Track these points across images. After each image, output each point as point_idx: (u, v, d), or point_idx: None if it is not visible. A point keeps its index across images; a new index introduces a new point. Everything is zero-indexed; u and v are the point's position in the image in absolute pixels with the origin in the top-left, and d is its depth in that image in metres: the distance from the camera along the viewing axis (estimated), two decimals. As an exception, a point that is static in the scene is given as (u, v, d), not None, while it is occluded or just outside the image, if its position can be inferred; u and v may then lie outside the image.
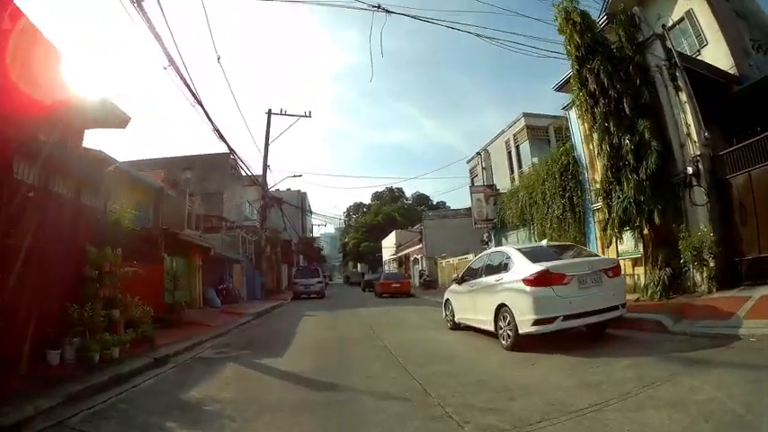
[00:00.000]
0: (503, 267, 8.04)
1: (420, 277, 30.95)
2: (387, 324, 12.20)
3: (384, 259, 53.16)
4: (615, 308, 7.14)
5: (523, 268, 7.29)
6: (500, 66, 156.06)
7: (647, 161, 10.58)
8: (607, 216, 11.63)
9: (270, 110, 29.67)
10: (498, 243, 21.14)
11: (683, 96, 10.75)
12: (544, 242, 9.65)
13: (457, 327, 9.97)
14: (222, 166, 35.92)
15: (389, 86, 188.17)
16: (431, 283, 30.21)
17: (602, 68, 11.22)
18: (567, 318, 6.74)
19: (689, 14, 14.25)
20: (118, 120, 8.82)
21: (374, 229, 61.21)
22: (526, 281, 6.97)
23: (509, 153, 24.42)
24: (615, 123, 11.11)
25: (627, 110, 10.97)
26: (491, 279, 8.22)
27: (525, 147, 22.56)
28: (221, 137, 21.38)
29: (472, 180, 32.38)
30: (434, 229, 32.91)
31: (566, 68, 13.55)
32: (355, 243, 63.28)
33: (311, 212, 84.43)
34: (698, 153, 10.36)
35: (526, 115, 22.32)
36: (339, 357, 7.70)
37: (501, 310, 7.54)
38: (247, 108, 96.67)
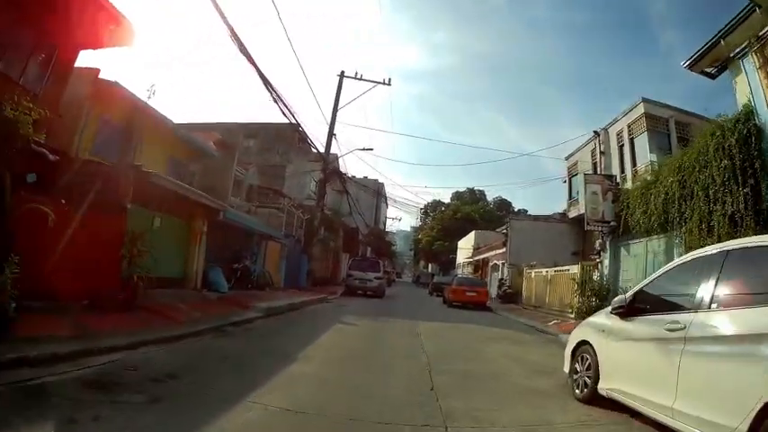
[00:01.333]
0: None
1: (500, 288, 25.26)
2: (457, 365, 6.98)
3: (458, 262, 47.47)
4: None
5: None
6: (585, 80, 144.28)
7: None
8: None
9: (342, 71, 25.35)
10: (616, 256, 15.13)
11: None
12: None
13: (594, 397, 4.81)
14: (288, 138, 32.61)
15: (475, 90, 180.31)
16: (511, 297, 24.36)
17: None
18: None
19: None
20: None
21: (451, 228, 55.58)
22: None
23: (620, 147, 18.97)
24: None
25: None
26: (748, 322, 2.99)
27: (642, 140, 17.63)
28: (278, 101, 17.36)
29: (569, 179, 26.43)
30: (522, 232, 26.91)
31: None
32: (429, 241, 58.04)
33: (386, 201, 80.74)
34: None
35: (646, 101, 17.75)
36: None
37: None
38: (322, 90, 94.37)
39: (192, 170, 16.55)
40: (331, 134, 24.95)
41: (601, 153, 16.99)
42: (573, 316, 15.38)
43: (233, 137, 27.52)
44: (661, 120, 17.95)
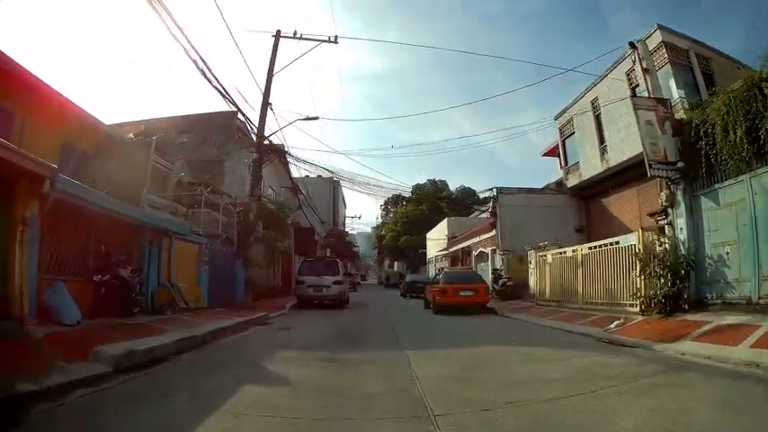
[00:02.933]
0: None
1: (495, 281, 20.05)
2: None
3: (429, 256, 42.29)
4: None
5: None
6: (536, 68, 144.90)
7: None
8: None
9: (279, 30, 19.57)
10: (694, 210, 10.15)
11: None
12: None
13: None
14: (226, 128, 26.90)
15: (428, 85, 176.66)
16: (513, 291, 19.23)
17: None
18: None
19: None
20: None
21: (417, 221, 50.43)
22: None
23: (633, 90, 14.39)
24: None
25: None
26: None
27: (665, 74, 13.58)
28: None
29: (563, 141, 22.55)
30: (513, 210, 21.88)
31: None
32: (393, 237, 52.63)
33: (344, 202, 74.95)
34: None
35: (662, 29, 14.22)
36: None
37: None
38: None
39: (101, 164, 11.22)
40: (266, 103, 19.09)
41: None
42: (638, 309, 10.29)
43: (168, 135, 24.04)
44: (681, 51, 14.28)
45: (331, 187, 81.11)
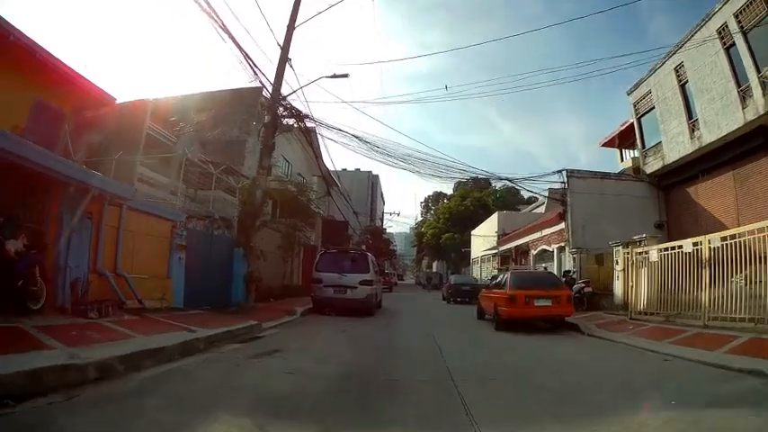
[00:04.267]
0: None
1: (568, 287, 15.56)
2: None
3: (474, 256, 37.77)
4: None
5: None
6: (580, 71, 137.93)
7: None
8: None
9: None
10: None
11: None
12: None
13: None
14: (249, 105, 23.67)
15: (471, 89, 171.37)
16: (591, 300, 14.69)
17: None
18: None
19: None
20: None
21: (460, 217, 45.98)
22: None
23: (727, 51, 13.13)
24: None
25: None
26: None
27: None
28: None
29: (638, 120, 19.02)
30: (587, 199, 17.39)
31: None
32: (434, 234, 48.18)
33: (382, 197, 71.58)
34: None
35: None
36: None
37: None
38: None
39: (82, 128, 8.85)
40: (285, 57, 15.35)
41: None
42: None
43: (187, 113, 21.41)
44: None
45: (369, 182, 78.25)
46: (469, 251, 39.38)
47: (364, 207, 64.70)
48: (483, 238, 31.60)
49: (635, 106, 19.08)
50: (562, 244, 17.87)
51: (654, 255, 11.39)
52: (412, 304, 21.31)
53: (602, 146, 24.04)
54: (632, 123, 19.97)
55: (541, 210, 29.93)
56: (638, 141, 19.08)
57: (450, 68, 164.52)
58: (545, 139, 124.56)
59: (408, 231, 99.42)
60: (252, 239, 14.19)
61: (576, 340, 9.79)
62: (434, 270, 66.24)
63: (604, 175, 18.78)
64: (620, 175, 18.94)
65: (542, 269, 16.15)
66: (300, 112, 16.31)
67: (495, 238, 28.87)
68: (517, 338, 9.63)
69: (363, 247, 49.08)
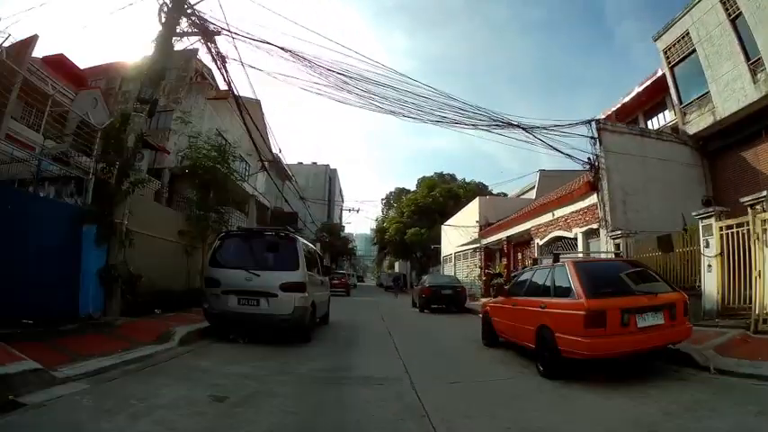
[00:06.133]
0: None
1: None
2: None
3: (445, 253, 32.26)
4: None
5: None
6: (543, 75, 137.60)
7: None
8: None
9: None
10: None
11: None
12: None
13: None
14: (182, 70, 20.29)
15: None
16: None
17: None
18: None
19: None
20: None
21: (427, 210, 40.46)
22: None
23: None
24: None
25: None
26: None
27: None
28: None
29: (671, 69, 14.68)
30: (625, 163, 12.22)
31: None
32: (397, 229, 42.41)
33: (341, 194, 66.63)
34: None
35: None
36: None
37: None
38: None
39: None
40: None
41: None
42: None
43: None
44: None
45: (326, 176, 71.89)
46: (440, 248, 33.83)
47: (321, 204, 58.64)
48: (459, 230, 25.98)
49: (665, 53, 15.01)
50: (593, 225, 12.44)
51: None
52: (374, 315, 15.51)
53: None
54: (633, 98, 16.05)
55: (531, 195, 24.68)
56: (674, 95, 14.56)
57: (412, 72, 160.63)
58: (504, 140, 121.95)
59: (369, 233, 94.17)
60: (117, 212, 8.06)
61: (711, 396, 4.34)
62: (396, 270, 60.82)
63: (643, 132, 13.63)
64: (661, 134, 13.78)
65: (611, 254, 10.19)
66: (209, 24, 10.06)
67: (477, 230, 23.34)
68: (589, 399, 4.06)
69: (318, 245, 43.13)
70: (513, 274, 13.29)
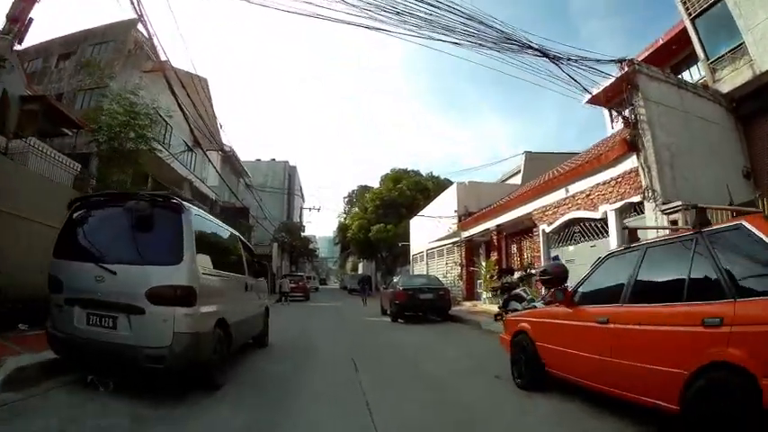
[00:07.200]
0: None
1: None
2: None
3: (416, 251, 28.82)
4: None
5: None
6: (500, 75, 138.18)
7: None
8: None
9: None
10: None
11: None
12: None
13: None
14: (119, 43, 18.77)
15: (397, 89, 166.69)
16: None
17: None
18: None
19: None
20: None
21: (393, 205, 37.00)
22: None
23: None
24: None
25: None
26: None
27: None
28: None
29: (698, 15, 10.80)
30: (670, 118, 9.14)
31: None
32: (361, 226, 38.71)
33: (302, 194, 63.29)
34: None
35: None
36: None
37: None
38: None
39: None
40: None
41: None
42: None
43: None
44: None
45: (285, 173, 67.55)
46: (409, 245, 30.37)
47: (279, 195, 54.62)
48: (432, 223, 22.54)
49: (684, 4, 11.88)
50: (633, 198, 9.18)
51: None
52: (335, 327, 11.91)
53: (587, 103, 16.26)
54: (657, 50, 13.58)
55: (517, 180, 21.52)
56: (700, 51, 11.77)
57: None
58: (472, 132, 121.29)
59: (332, 235, 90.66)
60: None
61: None
62: (360, 272, 57.20)
63: (680, 84, 10.56)
64: (697, 88, 10.76)
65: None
66: None
67: (455, 221, 19.96)
68: None
69: (275, 245, 38.95)
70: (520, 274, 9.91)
